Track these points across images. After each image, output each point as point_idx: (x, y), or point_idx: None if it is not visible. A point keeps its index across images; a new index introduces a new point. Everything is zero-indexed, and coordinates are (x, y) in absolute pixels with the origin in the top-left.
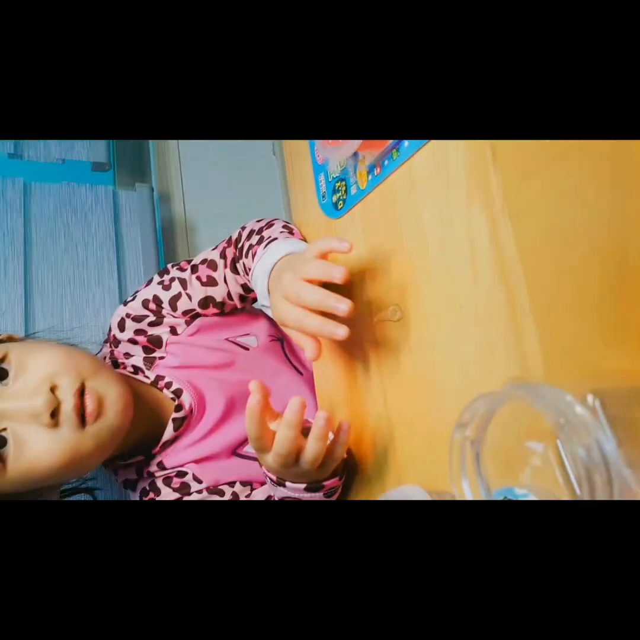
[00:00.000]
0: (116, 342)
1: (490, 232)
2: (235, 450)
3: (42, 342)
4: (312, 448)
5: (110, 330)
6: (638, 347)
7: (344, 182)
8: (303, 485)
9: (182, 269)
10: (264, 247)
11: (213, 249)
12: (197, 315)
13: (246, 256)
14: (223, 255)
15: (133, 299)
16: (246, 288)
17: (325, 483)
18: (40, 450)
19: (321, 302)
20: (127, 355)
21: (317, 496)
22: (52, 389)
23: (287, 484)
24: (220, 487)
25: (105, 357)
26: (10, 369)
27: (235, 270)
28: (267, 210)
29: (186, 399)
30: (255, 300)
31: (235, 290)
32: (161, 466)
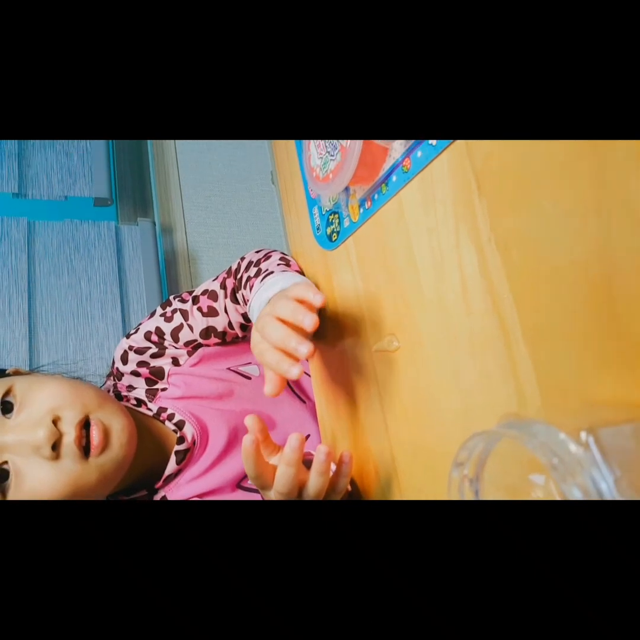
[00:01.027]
0: (119, 375)
1: (479, 262)
2: (239, 483)
3: (47, 376)
4: (314, 483)
5: (113, 363)
6: (629, 373)
7: (337, 215)
8: None
9: (183, 301)
10: (261, 281)
11: (214, 280)
12: (199, 345)
13: (245, 287)
14: (223, 285)
15: (136, 332)
16: (246, 317)
17: None
18: (40, 483)
19: (283, 342)
20: (130, 388)
21: None
22: (55, 422)
23: None
24: None
25: (108, 391)
26: (15, 402)
27: (235, 300)
28: (267, 239)
29: (188, 431)
30: None
31: (236, 320)
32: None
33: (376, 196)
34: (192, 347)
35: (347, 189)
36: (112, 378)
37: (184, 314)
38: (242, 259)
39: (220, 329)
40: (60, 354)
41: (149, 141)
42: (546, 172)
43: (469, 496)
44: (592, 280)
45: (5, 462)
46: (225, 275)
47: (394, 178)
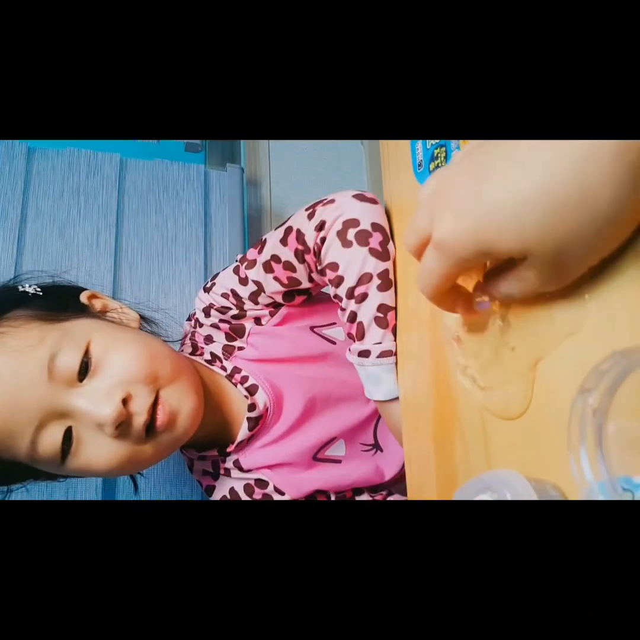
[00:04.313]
0: (199, 324)
1: None
2: (315, 455)
3: (128, 333)
4: None
5: (195, 312)
6: None
7: (444, 148)
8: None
9: (251, 265)
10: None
11: (280, 241)
12: (280, 304)
13: (349, 302)
14: (302, 260)
15: (213, 285)
16: (323, 271)
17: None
18: (97, 457)
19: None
20: (208, 339)
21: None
22: (125, 400)
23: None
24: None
25: (186, 336)
26: (91, 364)
27: (321, 273)
28: None
29: (260, 398)
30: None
31: (317, 277)
32: (237, 465)
33: None
34: (274, 306)
35: None
36: (192, 323)
37: (259, 285)
38: (318, 229)
39: (304, 287)
40: (143, 291)
41: None
42: None
43: (591, 430)
44: None
45: (71, 428)
46: (300, 247)
47: None
